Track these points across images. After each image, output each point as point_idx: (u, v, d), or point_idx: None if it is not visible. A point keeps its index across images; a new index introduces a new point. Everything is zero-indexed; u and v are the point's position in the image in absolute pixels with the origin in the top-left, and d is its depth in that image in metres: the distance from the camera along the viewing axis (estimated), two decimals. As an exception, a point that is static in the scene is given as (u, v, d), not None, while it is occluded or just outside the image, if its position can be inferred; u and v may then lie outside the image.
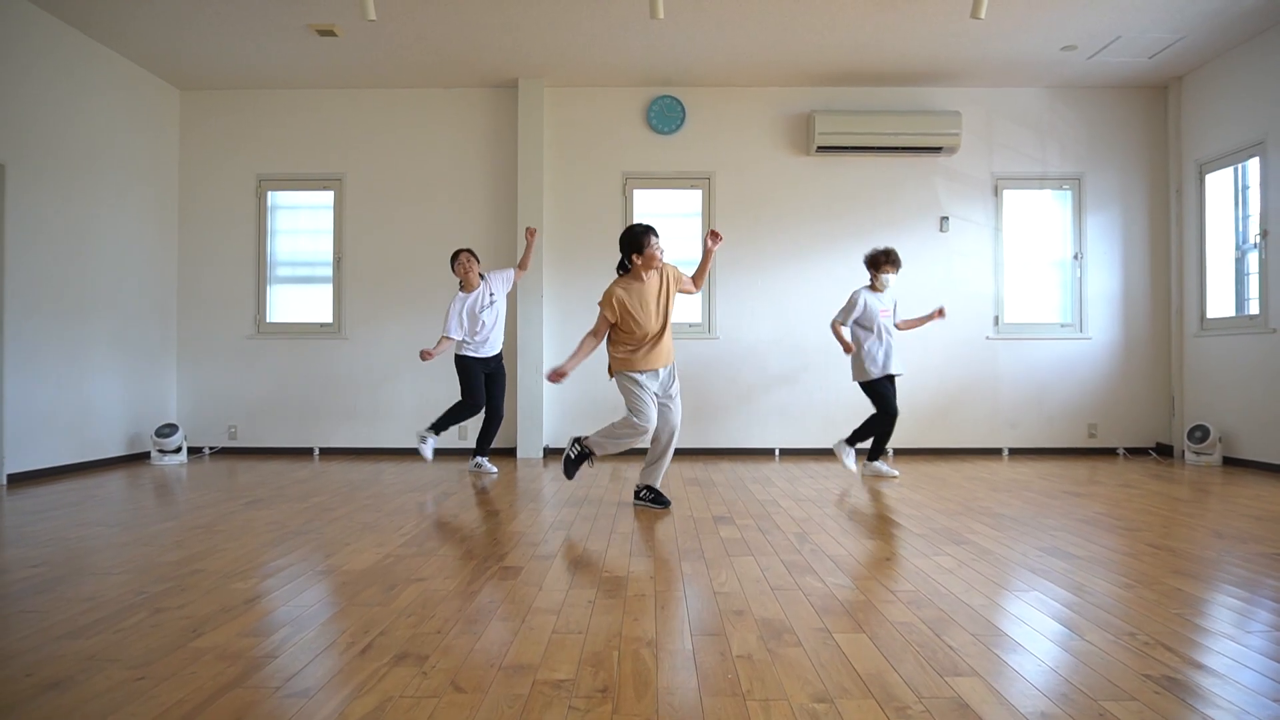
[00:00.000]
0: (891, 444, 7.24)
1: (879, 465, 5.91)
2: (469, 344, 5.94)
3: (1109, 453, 7.32)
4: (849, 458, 5.96)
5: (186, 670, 2.15)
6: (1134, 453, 7.30)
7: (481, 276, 6.05)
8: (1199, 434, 6.59)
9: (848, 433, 6.15)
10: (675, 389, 4.60)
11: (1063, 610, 2.68)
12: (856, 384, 5.94)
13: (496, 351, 6.07)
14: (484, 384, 6.06)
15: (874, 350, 5.77)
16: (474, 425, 7.08)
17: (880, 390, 5.78)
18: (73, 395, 6.17)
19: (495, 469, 6.21)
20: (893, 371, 5.80)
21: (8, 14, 5.50)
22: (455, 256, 5.98)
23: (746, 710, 1.91)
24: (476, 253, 6.17)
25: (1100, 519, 4.28)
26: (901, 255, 7.19)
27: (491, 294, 5.99)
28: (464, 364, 5.98)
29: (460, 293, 5.98)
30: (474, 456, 6.20)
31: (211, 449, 7.40)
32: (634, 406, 4.45)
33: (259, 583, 3.03)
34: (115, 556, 3.44)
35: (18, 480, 5.62)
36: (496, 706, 1.93)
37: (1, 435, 5.50)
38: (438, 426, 6.01)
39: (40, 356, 5.84)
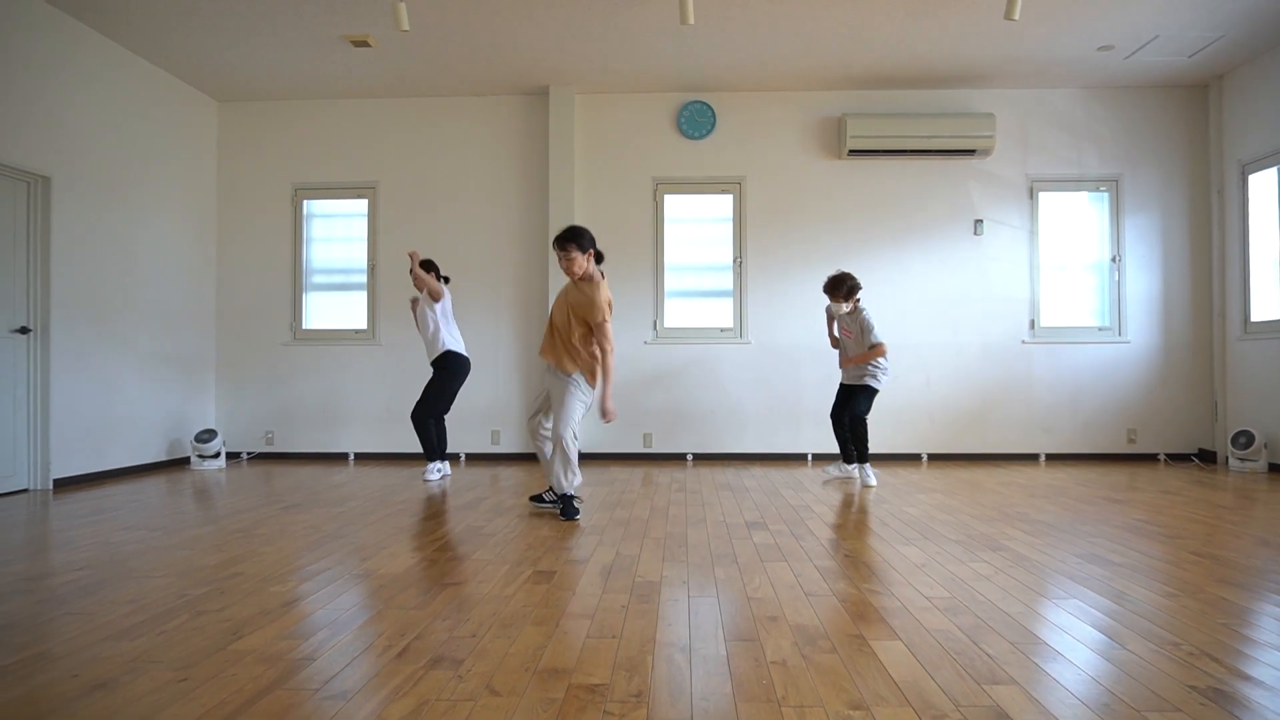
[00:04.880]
0: (924, 448, 7.21)
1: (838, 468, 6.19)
2: None
3: (1149, 459, 7.18)
4: (868, 475, 5.78)
5: (227, 672, 2.19)
6: (1175, 459, 7.15)
7: (446, 280, 6.07)
8: (1243, 440, 6.44)
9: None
10: (558, 395, 4.38)
11: (1103, 618, 2.63)
12: (880, 389, 5.92)
13: (432, 356, 5.99)
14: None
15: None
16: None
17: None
18: (116, 401, 6.31)
19: (428, 476, 6.03)
20: (843, 380, 6.03)
21: (53, 29, 5.65)
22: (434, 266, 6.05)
23: (782, 717, 1.90)
24: (435, 265, 6.13)
25: (1141, 526, 4.20)
26: (934, 259, 7.23)
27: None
28: None
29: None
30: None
31: (249, 454, 7.51)
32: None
33: (297, 586, 3.07)
34: (157, 560, 3.50)
35: (63, 485, 5.75)
36: (532, 710, 1.94)
37: (48, 441, 5.64)
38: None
39: (84, 363, 5.98)
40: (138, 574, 3.25)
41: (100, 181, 6.13)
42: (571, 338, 4.34)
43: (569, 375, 4.34)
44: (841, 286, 5.79)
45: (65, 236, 5.78)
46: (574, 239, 4.28)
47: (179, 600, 2.87)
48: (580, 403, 4.37)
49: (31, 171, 5.50)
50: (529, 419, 4.64)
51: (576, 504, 4.48)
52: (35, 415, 5.62)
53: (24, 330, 5.53)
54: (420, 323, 6.00)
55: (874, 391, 5.86)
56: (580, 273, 4.32)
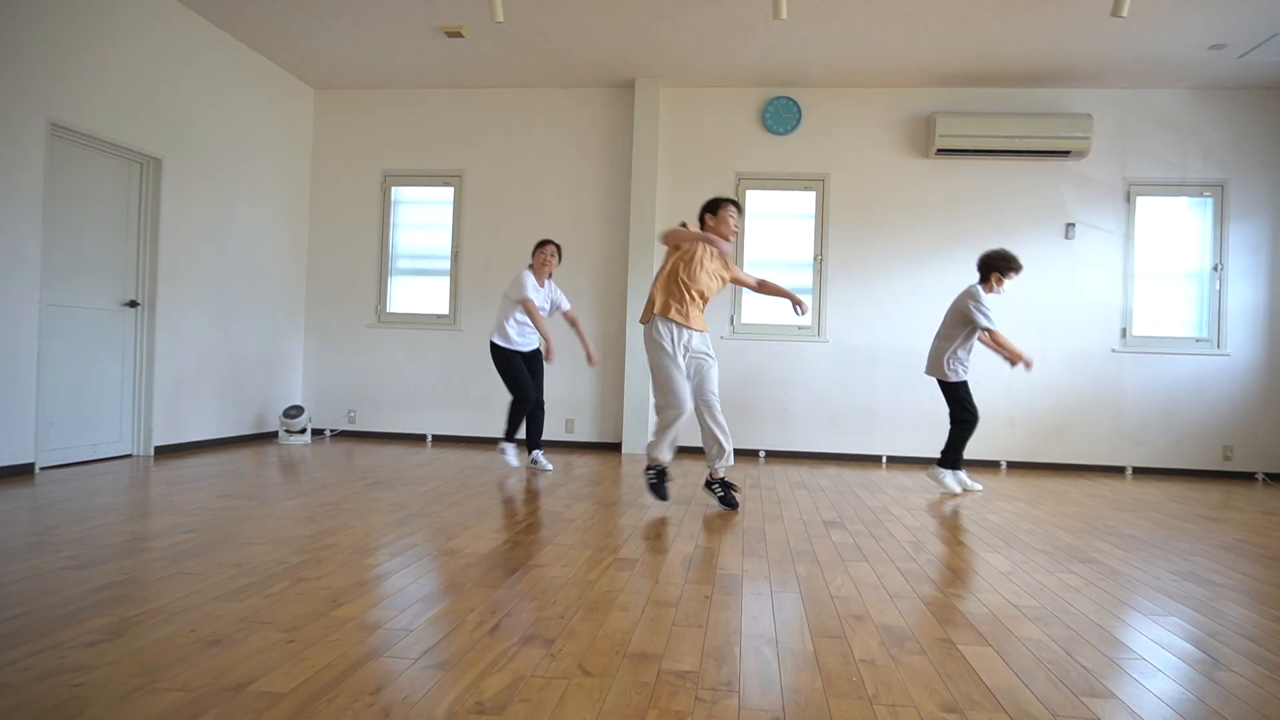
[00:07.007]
0: (1004, 456, 7.05)
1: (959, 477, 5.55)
2: (513, 335, 5.67)
3: (1246, 477, 6.87)
4: (948, 479, 5.48)
5: (330, 637, 2.28)
6: (1275, 479, 6.83)
7: (549, 276, 5.89)
8: (1350, 461, 6.13)
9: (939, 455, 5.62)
10: (711, 359, 4.64)
11: (1205, 638, 2.55)
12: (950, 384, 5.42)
13: (535, 346, 5.82)
14: (529, 376, 5.75)
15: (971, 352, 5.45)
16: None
17: (966, 393, 5.41)
18: (212, 374, 6.60)
19: (550, 464, 6.05)
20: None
21: (166, 19, 5.91)
22: (546, 244, 5.82)
23: (874, 714, 1.89)
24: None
25: (1240, 546, 4.03)
26: (1023, 262, 6.97)
27: (550, 298, 5.87)
28: (507, 357, 5.68)
29: (531, 272, 5.74)
30: (530, 451, 5.97)
31: (332, 431, 7.76)
32: (658, 380, 4.52)
33: (388, 560, 3.17)
34: (256, 527, 3.66)
35: (163, 452, 6.04)
36: (625, 691, 1.97)
37: (151, 409, 5.93)
38: (509, 434, 5.74)
39: (184, 337, 6.27)
40: (239, 540, 3.41)
41: (204, 164, 6.40)
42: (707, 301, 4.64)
43: (706, 333, 4.65)
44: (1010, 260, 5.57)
45: (172, 215, 6.06)
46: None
47: (280, 566, 3.00)
48: None
49: (145, 153, 5.78)
50: (690, 408, 4.58)
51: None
52: (140, 385, 5.91)
53: (133, 304, 5.82)
54: (536, 315, 5.68)
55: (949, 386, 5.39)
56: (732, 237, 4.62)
